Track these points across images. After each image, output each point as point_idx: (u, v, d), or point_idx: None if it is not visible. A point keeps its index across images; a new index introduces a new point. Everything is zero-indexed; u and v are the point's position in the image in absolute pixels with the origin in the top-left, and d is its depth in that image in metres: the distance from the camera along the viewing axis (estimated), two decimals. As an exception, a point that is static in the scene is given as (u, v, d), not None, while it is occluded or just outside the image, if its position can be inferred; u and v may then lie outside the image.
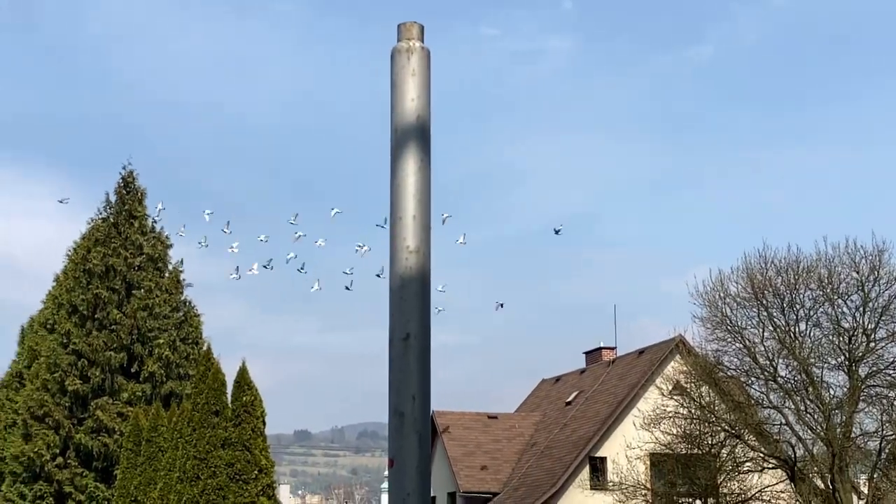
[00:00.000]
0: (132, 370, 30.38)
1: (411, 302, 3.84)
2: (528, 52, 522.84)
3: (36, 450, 28.74)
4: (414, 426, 3.74)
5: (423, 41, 4.02)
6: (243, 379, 21.14)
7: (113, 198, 32.53)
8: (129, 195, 32.53)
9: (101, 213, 32.49)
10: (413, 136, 3.94)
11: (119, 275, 31.04)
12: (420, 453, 3.74)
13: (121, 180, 32.72)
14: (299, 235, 30.87)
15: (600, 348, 44.50)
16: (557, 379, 46.59)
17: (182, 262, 32.74)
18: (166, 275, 32.23)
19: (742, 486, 30.23)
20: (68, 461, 29.17)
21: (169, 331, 30.82)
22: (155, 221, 32.68)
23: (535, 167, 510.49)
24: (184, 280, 32.48)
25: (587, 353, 45.66)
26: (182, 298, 32.23)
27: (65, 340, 30.37)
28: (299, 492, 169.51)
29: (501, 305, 33.48)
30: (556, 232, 36.93)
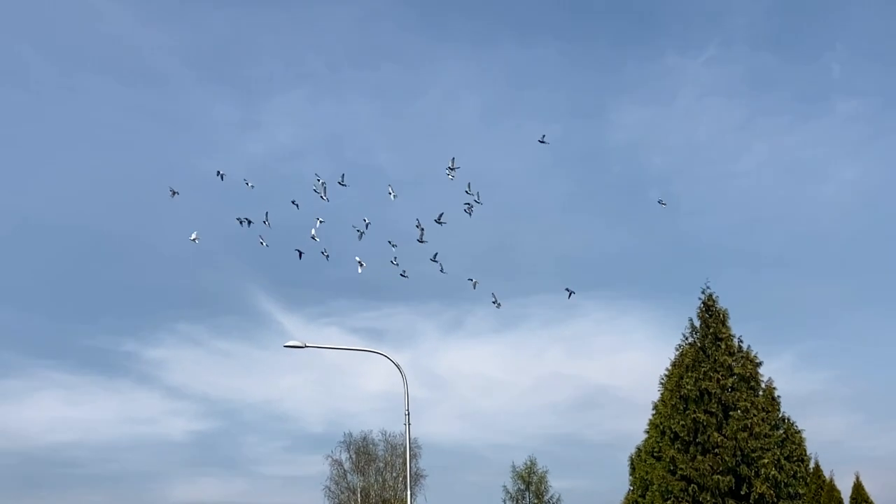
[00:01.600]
0: (741, 492, 30.25)
1: None
2: None
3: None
4: None
5: None
6: (859, 495, 20.20)
7: (696, 322, 33.32)
8: (711, 318, 33.08)
9: (686, 339, 33.40)
10: None
11: (714, 398, 31.44)
12: None
13: (702, 304, 33.44)
14: None
15: None
16: None
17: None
18: (760, 393, 32.01)
19: None
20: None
21: (772, 450, 30.38)
22: (741, 342, 32.80)
23: None
24: (778, 396, 32.02)
25: None
26: (780, 415, 31.71)
27: (672, 467, 31.22)
28: None
29: (474, 283, 29.57)
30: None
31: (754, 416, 30.92)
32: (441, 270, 30.38)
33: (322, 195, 30.43)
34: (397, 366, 32.82)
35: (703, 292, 33.57)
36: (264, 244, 30.66)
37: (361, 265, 30.05)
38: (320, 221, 30.48)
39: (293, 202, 30.62)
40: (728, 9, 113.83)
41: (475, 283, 31.21)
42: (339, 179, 30.93)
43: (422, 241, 29.81)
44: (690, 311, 33.67)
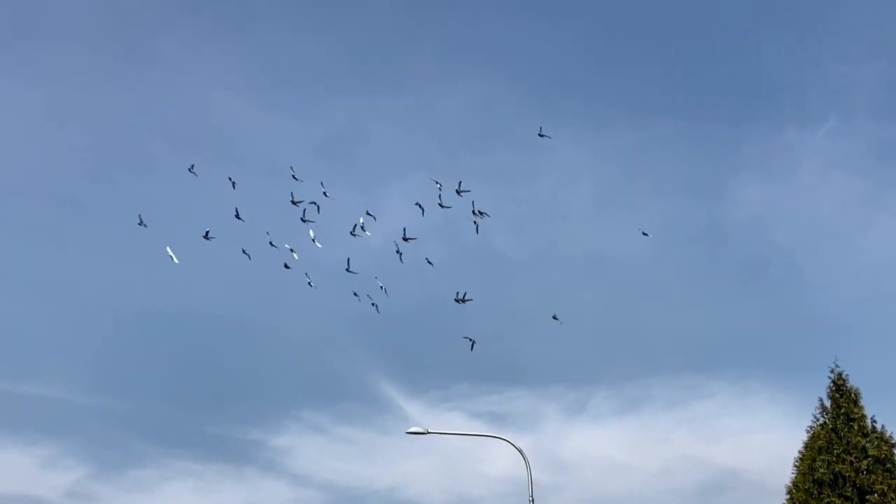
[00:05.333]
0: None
1: None
2: None
3: None
4: None
5: None
6: None
7: (827, 402, 32.41)
8: (842, 398, 32.14)
9: (817, 420, 32.45)
10: None
11: (848, 481, 30.42)
12: None
13: (831, 384, 32.55)
14: None
15: None
16: None
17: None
18: (897, 476, 30.82)
19: None
20: None
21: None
22: (874, 422, 31.71)
23: None
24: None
25: None
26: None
27: (807, 554, 30.19)
28: None
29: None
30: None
31: (892, 499, 29.76)
32: (471, 346, 31.41)
33: (303, 217, 32.24)
34: (520, 451, 32.79)
35: (832, 371, 32.69)
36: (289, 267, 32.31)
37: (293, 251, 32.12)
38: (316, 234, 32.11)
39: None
40: (847, 81, 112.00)
41: (473, 342, 32.27)
42: (323, 190, 32.59)
43: (464, 300, 31.16)
44: (819, 389, 32.76)
